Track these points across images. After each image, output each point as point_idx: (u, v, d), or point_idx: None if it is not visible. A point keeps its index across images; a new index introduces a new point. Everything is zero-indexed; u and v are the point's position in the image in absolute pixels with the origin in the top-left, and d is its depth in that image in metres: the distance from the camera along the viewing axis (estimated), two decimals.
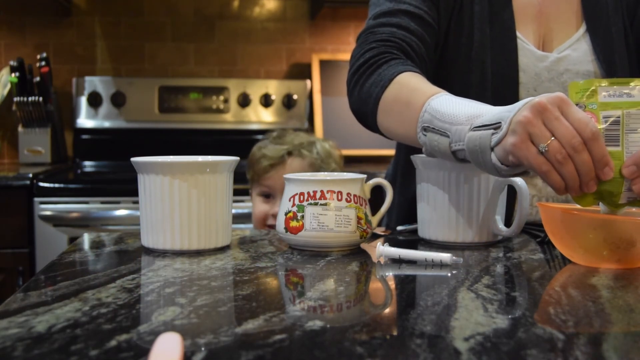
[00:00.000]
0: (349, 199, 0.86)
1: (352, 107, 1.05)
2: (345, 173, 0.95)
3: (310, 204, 0.86)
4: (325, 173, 1.02)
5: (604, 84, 0.79)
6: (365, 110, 0.99)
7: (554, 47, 1.10)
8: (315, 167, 1.54)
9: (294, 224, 0.86)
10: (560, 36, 1.10)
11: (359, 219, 0.87)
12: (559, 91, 1.07)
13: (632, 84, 0.79)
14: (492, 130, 0.76)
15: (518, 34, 1.08)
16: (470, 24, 1.07)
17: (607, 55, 1.08)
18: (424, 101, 0.87)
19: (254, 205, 1.56)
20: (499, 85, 1.06)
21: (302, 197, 0.86)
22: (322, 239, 0.85)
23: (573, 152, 0.71)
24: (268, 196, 1.54)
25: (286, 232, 0.87)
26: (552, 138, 0.72)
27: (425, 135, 0.86)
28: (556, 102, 0.73)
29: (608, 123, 0.78)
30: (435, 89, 0.89)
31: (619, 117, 0.78)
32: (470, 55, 1.07)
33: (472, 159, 0.80)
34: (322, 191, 0.86)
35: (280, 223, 0.88)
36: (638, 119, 0.78)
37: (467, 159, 0.82)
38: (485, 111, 0.80)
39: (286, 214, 0.87)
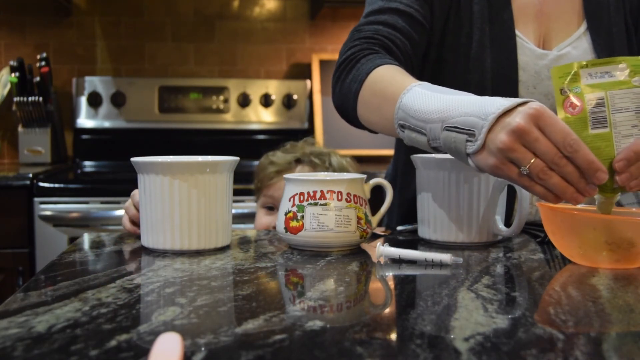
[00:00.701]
0: (349, 199, 0.86)
1: (335, 103, 1.06)
2: (345, 173, 0.95)
3: (310, 204, 0.86)
4: (325, 173, 1.02)
5: (584, 66, 0.79)
6: (347, 106, 1.01)
7: (554, 46, 1.10)
8: None
9: (294, 224, 0.86)
10: (561, 35, 1.11)
11: (359, 219, 0.87)
12: None
13: (612, 64, 0.79)
14: (466, 136, 0.76)
15: (517, 32, 1.08)
16: (469, 23, 1.07)
17: (608, 55, 1.08)
18: (398, 96, 0.86)
19: (257, 217, 1.45)
20: (499, 84, 1.06)
21: (302, 197, 0.86)
22: (322, 239, 0.85)
23: (555, 167, 0.72)
24: (272, 209, 1.41)
25: (286, 232, 0.87)
26: (532, 160, 0.72)
27: (403, 131, 0.86)
28: (532, 119, 0.71)
29: (593, 105, 0.78)
30: (409, 80, 0.89)
31: (603, 98, 0.78)
32: (469, 54, 1.07)
33: (450, 154, 0.81)
34: (322, 191, 0.86)
35: (280, 223, 0.88)
36: (622, 98, 0.78)
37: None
38: (454, 105, 0.78)
39: (286, 214, 0.87)
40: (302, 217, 0.86)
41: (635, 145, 0.76)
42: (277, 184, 1.38)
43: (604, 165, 0.73)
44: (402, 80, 0.89)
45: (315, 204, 0.86)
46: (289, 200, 0.87)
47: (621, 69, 0.79)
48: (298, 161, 1.41)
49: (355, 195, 0.87)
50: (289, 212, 0.87)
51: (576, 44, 1.09)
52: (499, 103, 0.74)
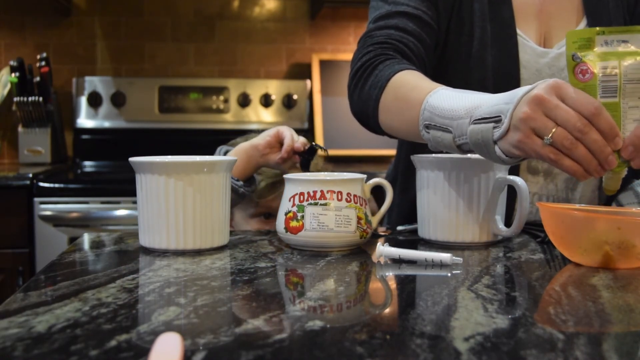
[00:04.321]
0: (349, 199, 0.86)
1: (353, 110, 1.06)
2: (345, 173, 0.95)
3: (310, 204, 0.86)
4: (325, 173, 1.02)
5: (601, 33, 0.78)
6: (367, 112, 1.00)
7: (555, 44, 1.10)
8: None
9: (294, 224, 0.86)
10: (561, 33, 1.11)
11: (359, 219, 0.87)
12: None
13: (631, 32, 0.78)
14: (492, 124, 0.77)
15: (518, 30, 1.08)
16: (470, 22, 1.08)
17: None
18: (422, 99, 0.87)
19: (249, 227, 1.29)
20: (500, 82, 1.06)
21: (302, 197, 0.86)
22: (322, 239, 0.85)
23: (580, 134, 0.72)
24: (268, 216, 1.30)
25: (286, 232, 0.87)
26: (554, 128, 0.72)
27: (428, 132, 0.86)
28: (553, 89, 0.73)
29: (605, 74, 0.77)
30: (432, 84, 0.90)
31: (616, 67, 0.77)
32: (470, 52, 1.07)
33: (477, 151, 0.81)
34: (322, 191, 0.86)
35: (280, 223, 0.88)
36: (635, 69, 0.77)
37: (473, 151, 0.82)
38: (482, 102, 0.80)
39: (286, 214, 0.87)
40: (302, 217, 0.86)
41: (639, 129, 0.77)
42: (278, 196, 1.25)
43: None
44: (425, 84, 0.90)
45: (315, 204, 0.86)
46: (289, 200, 0.87)
47: (638, 39, 0.78)
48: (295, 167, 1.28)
49: (355, 195, 0.87)
50: (289, 212, 0.87)
51: None
52: (524, 88, 0.75)
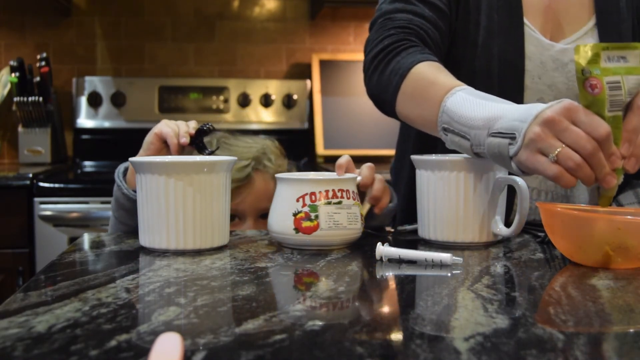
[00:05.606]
0: (355, 197, 0.89)
1: (370, 92, 1.06)
2: (349, 174, 0.96)
3: (326, 203, 0.87)
4: (326, 173, 1.02)
5: (606, 49, 0.81)
6: (385, 98, 1.01)
7: (561, 40, 1.10)
8: (273, 178, 1.19)
9: (307, 224, 0.86)
10: (568, 30, 1.10)
11: (361, 216, 0.90)
12: (563, 81, 1.08)
13: (628, 49, 0.81)
14: (508, 140, 0.79)
15: (525, 20, 1.08)
16: (477, 11, 1.08)
17: None
18: (441, 99, 0.88)
19: None
20: (505, 72, 1.06)
21: (313, 196, 0.87)
22: (336, 237, 0.87)
23: (590, 156, 0.74)
24: (233, 218, 1.21)
25: (297, 232, 0.87)
26: (560, 148, 0.74)
27: (446, 135, 0.88)
28: (563, 112, 0.75)
29: (612, 88, 0.79)
30: (451, 81, 0.91)
31: (619, 82, 0.80)
32: (477, 41, 1.07)
33: (494, 161, 0.83)
34: (333, 190, 0.87)
35: (285, 224, 0.87)
36: (634, 84, 0.80)
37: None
38: (500, 114, 0.81)
39: (295, 214, 0.87)
40: (317, 216, 0.86)
41: (629, 124, 0.80)
42: (244, 199, 1.21)
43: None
44: (443, 81, 0.91)
45: (329, 203, 0.87)
46: (297, 201, 0.87)
47: (635, 55, 0.81)
48: (255, 169, 1.22)
49: (355, 193, 0.90)
50: (299, 212, 0.87)
51: (583, 39, 1.09)
52: (540, 106, 0.77)
